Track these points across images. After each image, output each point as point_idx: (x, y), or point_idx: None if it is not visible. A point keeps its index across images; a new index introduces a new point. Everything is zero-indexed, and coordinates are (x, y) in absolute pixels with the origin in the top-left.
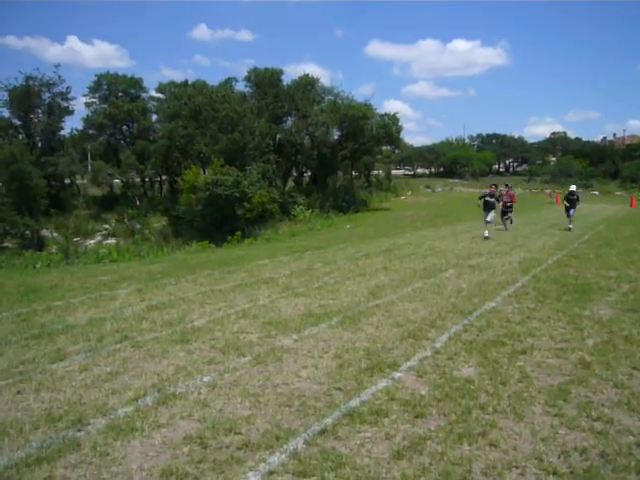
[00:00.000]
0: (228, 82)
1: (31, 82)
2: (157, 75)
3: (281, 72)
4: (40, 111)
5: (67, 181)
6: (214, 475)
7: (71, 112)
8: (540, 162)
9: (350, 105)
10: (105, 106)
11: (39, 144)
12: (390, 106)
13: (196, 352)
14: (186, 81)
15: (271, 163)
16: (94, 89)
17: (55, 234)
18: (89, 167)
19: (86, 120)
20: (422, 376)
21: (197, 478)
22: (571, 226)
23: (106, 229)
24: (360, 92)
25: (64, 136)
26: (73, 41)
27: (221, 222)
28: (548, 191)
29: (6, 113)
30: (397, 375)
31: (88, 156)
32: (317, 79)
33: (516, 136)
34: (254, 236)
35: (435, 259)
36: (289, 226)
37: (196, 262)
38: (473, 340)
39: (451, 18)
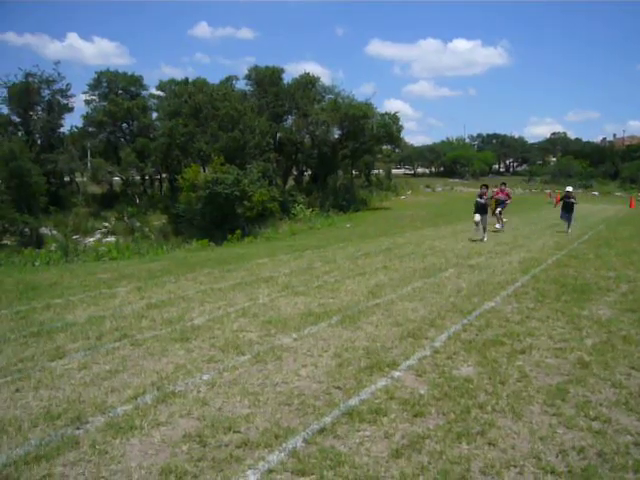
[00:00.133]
0: (229, 80)
1: (31, 79)
2: (157, 73)
3: (282, 70)
4: (40, 108)
5: (67, 179)
6: (213, 473)
7: (71, 109)
8: (540, 162)
9: (351, 104)
10: (105, 103)
11: (38, 141)
12: (390, 105)
13: (195, 350)
14: (186, 79)
15: (271, 162)
16: (94, 86)
17: (54, 232)
18: (89, 165)
19: (86, 117)
20: (421, 375)
21: (196, 476)
22: (569, 230)
23: (106, 227)
24: (361, 91)
25: (64, 133)
26: (73, 38)
27: (221, 220)
28: (548, 191)
29: (5, 110)
30: (396, 374)
31: (88, 154)
32: (318, 78)
33: (516, 136)
34: (254, 235)
35: (435, 258)
36: (289, 225)
37: (196, 260)
38: (472, 339)
39: (452, 18)
